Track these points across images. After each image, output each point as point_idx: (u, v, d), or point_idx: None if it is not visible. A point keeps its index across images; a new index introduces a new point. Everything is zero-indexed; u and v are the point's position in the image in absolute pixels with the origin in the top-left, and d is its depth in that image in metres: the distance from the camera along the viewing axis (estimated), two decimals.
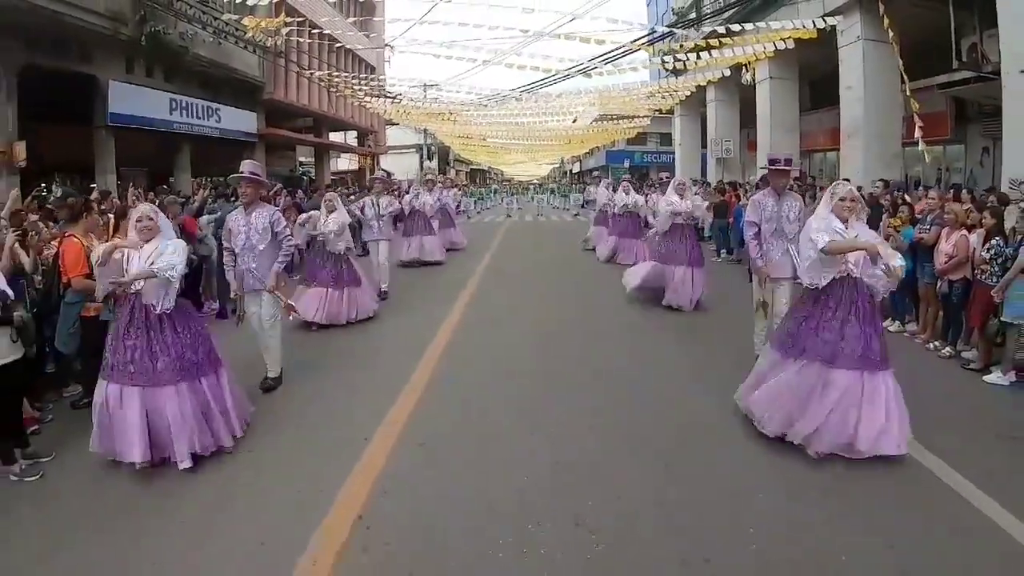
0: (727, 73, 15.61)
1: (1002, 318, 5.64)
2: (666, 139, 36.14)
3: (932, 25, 12.11)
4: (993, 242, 5.84)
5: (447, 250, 14.35)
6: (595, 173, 45.67)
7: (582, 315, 8.57)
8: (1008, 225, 5.92)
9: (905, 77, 11.58)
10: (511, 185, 52.57)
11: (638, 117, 27.51)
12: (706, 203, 10.09)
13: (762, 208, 5.82)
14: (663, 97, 20.56)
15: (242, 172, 5.77)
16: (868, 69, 12.80)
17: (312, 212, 8.22)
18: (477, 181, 61.48)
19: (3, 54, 11.21)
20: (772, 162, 5.94)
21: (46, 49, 12.08)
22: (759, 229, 5.86)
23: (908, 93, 11.41)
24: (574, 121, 31.95)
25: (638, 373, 5.94)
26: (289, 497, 3.74)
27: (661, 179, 10.60)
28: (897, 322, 7.38)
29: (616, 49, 15.96)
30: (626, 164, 40.28)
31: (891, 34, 11.49)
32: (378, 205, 9.91)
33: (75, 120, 13.66)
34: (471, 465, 4.12)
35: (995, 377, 5.57)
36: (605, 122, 30.08)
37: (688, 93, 19.56)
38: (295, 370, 5.95)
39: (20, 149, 11.20)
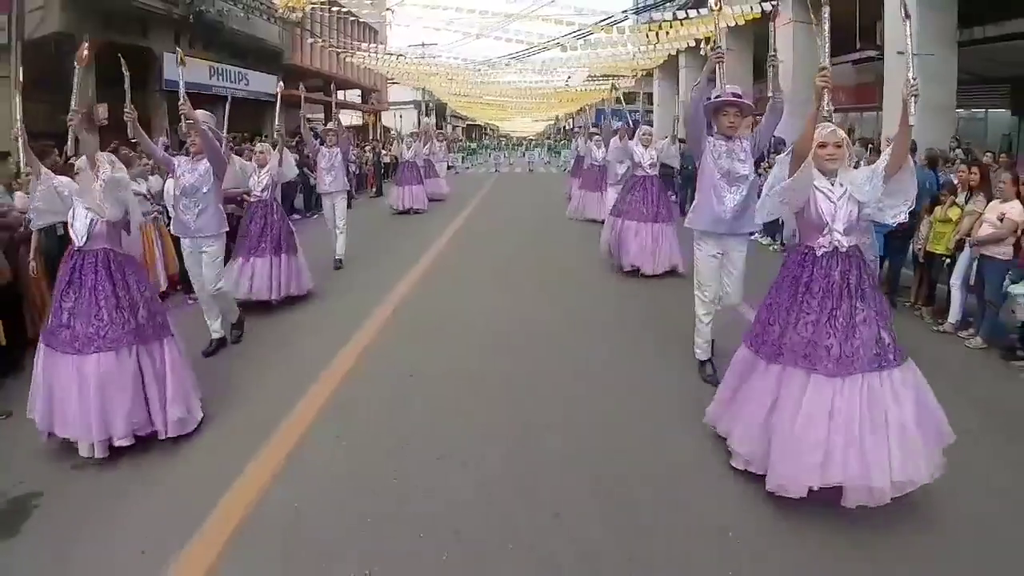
0: (692, 44, 18.05)
1: None
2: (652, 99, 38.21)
3: (853, 9, 14.56)
4: None
5: (429, 200, 15.50)
6: (592, 127, 46.69)
7: (547, 293, 7.68)
8: None
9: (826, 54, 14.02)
10: (508, 141, 54.41)
11: (623, 77, 29.95)
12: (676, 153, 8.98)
13: (713, 149, 4.76)
14: (641, 60, 23.11)
15: (192, 120, 5.59)
16: (797, 46, 15.25)
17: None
18: (473, 136, 63.30)
19: (84, 32, 13.69)
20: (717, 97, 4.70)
21: (115, 27, 14.59)
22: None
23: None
24: (568, 79, 34.12)
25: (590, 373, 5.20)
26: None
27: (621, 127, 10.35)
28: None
29: (603, 20, 18.45)
30: (617, 123, 42.15)
31: (813, 18, 13.98)
32: (331, 156, 9.34)
33: (136, 86, 16.16)
34: (389, 458, 3.83)
35: None
36: (596, 81, 32.29)
37: (662, 60, 22.06)
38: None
39: (102, 110, 13.74)
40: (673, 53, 20.66)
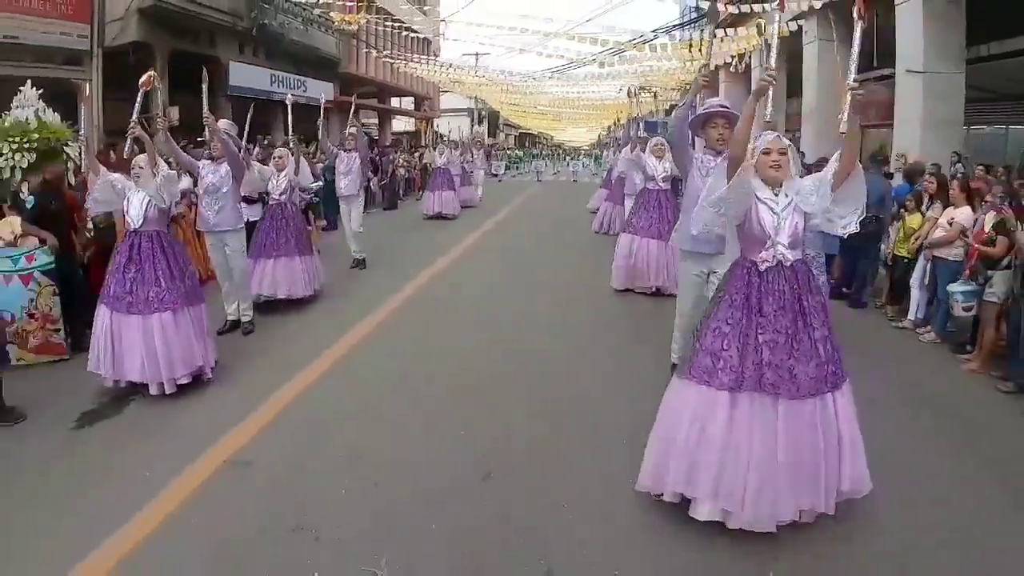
0: (729, 60, 18.64)
1: None
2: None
3: (871, 27, 14.96)
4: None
5: (462, 207, 15.92)
6: (643, 134, 46.72)
7: (556, 319, 7.21)
8: None
9: (851, 71, 14.44)
10: (559, 150, 55.19)
11: (670, 90, 30.59)
12: None
13: (701, 166, 4.69)
14: (681, 75, 23.80)
15: (217, 129, 6.31)
16: (821, 64, 15.68)
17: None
18: (526, 145, 64.31)
19: (159, 42, 15.18)
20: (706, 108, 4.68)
21: (187, 38, 16.09)
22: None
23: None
24: (620, 90, 34.72)
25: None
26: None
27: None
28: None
29: (635, 39, 19.25)
30: (640, 128, 42.47)
31: (835, 35, 14.50)
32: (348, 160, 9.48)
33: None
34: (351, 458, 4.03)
35: None
36: (644, 92, 32.90)
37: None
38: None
39: (174, 112, 15.18)
40: (712, 68, 21.29)
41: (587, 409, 4.80)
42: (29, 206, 6.04)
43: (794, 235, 3.14)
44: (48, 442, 4.32)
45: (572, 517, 3.43)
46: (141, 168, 4.99)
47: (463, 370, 5.71)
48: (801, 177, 3.33)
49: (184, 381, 4.95)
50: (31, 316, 5.67)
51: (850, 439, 3.13)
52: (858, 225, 3.25)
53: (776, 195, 3.17)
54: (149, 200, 4.97)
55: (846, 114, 3.07)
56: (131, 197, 5.03)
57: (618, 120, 37.50)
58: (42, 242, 5.75)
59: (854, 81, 3.10)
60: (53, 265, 5.75)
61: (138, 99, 5.21)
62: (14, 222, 5.94)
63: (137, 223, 4.99)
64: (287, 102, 8.11)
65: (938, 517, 3.47)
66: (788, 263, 3.13)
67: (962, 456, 4.22)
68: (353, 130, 9.90)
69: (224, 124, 6.65)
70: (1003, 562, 3.14)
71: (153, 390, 4.85)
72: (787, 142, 3.25)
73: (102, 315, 4.89)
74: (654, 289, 7.91)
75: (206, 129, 6.28)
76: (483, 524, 3.38)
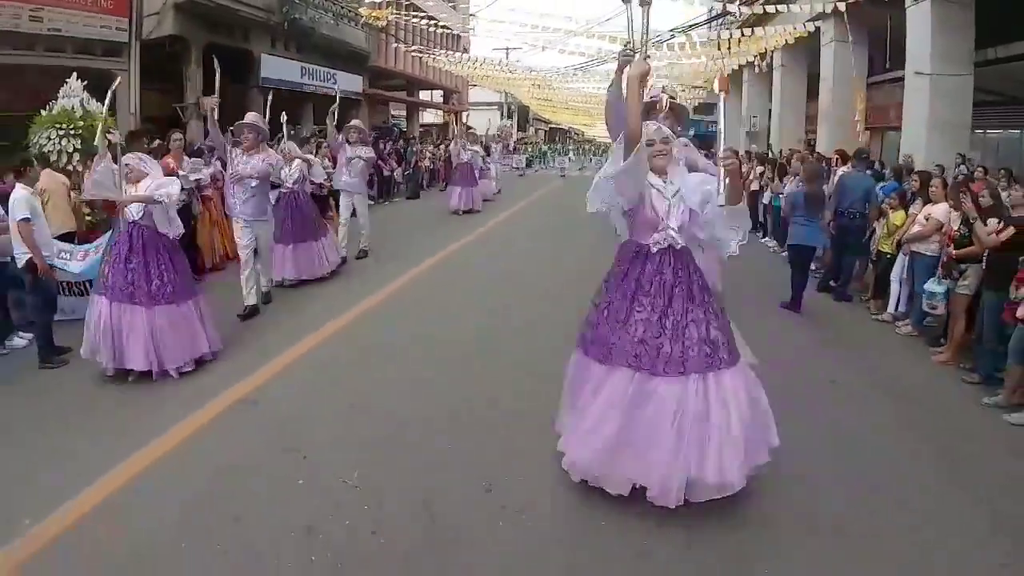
0: (751, 59, 18.74)
1: None
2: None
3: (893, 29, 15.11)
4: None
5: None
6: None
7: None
8: None
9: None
10: (592, 145, 55.14)
11: (696, 88, 30.64)
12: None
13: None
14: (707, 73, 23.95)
15: (244, 121, 6.77)
16: (837, 65, 15.85)
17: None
18: (556, 139, 64.41)
19: (194, 35, 15.88)
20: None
21: (221, 32, 16.79)
22: None
23: (860, 87, 14.60)
24: (649, 87, 34.70)
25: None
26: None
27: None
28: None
29: (653, 38, 19.45)
30: (691, 132, 42.47)
31: (850, 38, 14.65)
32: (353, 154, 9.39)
33: (238, 82, 18.44)
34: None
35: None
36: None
37: (725, 75, 22.84)
38: None
39: (209, 101, 15.84)
40: (736, 68, 21.43)
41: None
42: None
43: (682, 220, 3.32)
44: (86, 379, 5.15)
45: (516, 458, 4.02)
46: (132, 169, 5.11)
47: (455, 339, 6.29)
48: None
49: (188, 369, 5.17)
50: None
51: (722, 428, 3.17)
52: (738, 249, 3.41)
53: (665, 183, 3.36)
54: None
55: (722, 185, 3.25)
56: (129, 190, 5.12)
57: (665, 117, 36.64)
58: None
59: (727, 150, 3.35)
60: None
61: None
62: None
63: (137, 215, 5.09)
64: (335, 94, 9.22)
65: (877, 504, 3.62)
66: (678, 246, 3.33)
67: (914, 442, 4.43)
68: (357, 122, 10.07)
69: (253, 117, 6.87)
70: (929, 537, 3.35)
71: (156, 376, 5.04)
72: (668, 132, 3.43)
73: (98, 304, 4.97)
74: None
75: (209, 117, 6.69)
76: (445, 459, 4.02)
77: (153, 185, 5.08)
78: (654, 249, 3.33)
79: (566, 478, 3.58)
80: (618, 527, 3.30)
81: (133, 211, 5.08)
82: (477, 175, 16.16)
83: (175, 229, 5.25)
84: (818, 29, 15.84)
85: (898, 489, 3.78)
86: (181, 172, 7.61)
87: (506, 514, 3.43)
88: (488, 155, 19.88)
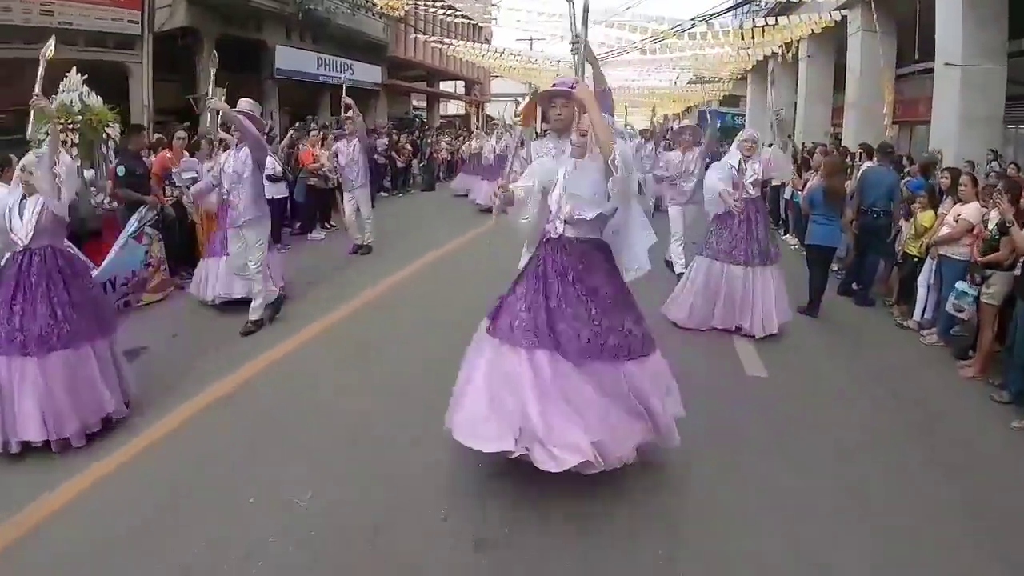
0: (776, 49, 18.25)
1: None
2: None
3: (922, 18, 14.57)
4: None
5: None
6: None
7: None
8: None
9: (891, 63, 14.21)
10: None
11: (721, 79, 30.07)
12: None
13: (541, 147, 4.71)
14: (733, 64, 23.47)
15: (239, 109, 6.00)
16: (864, 55, 15.37)
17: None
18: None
19: (207, 27, 15.77)
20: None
21: (234, 23, 16.67)
22: None
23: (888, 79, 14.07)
24: (676, 79, 34.25)
25: None
26: None
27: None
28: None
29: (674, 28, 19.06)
30: (718, 123, 41.64)
31: (877, 27, 14.17)
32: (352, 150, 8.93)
33: (251, 73, 18.35)
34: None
35: None
36: (700, 82, 32.51)
37: (750, 66, 22.41)
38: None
39: (221, 93, 15.81)
40: (760, 59, 20.94)
41: None
42: (120, 175, 7.01)
43: (570, 215, 3.37)
44: None
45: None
46: (31, 174, 4.03)
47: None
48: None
49: (95, 429, 3.97)
50: (148, 265, 6.92)
51: (617, 415, 3.26)
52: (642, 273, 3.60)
53: (568, 171, 3.44)
54: (43, 207, 3.99)
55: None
56: (13, 210, 4.01)
57: (688, 110, 35.98)
58: (136, 204, 6.63)
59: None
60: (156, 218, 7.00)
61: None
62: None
63: (26, 238, 3.95)
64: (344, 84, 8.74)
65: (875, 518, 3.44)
66: (572, 236, 3.39)
67: (930, 471, 3.99)
68: (351, 113, 9.15)
69: (246, 103, 6.22)
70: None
71: (55, 448, 3.79)
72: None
73: None
74: (734, 328, 6.30)
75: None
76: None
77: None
78: (553, 235, 3.44)
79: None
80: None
81: (21, 235, 3.97)
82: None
83: (62, 207, 4.14)
84: (845, 18, 15.36)
85: (909, 520, 3.44)
86: (175, 169, 7.59)
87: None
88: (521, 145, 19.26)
